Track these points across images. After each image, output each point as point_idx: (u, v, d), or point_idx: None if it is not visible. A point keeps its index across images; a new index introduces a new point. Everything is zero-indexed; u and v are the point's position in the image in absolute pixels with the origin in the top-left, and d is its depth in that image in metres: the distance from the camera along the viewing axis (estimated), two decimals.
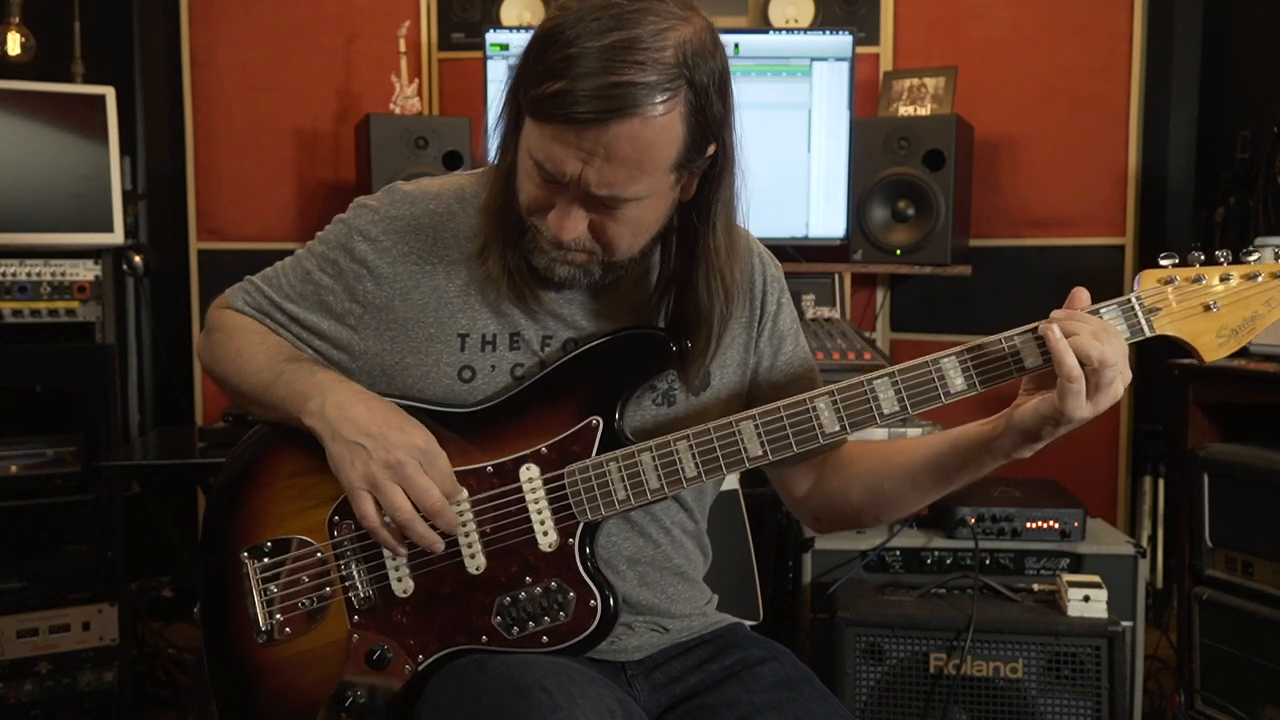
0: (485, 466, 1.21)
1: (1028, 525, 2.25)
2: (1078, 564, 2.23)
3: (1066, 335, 1.08)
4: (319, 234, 1.31)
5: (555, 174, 1.09)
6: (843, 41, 3.02)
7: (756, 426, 1.18)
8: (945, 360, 1.15)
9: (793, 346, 1.36)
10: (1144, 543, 3.01)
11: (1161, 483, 3.09)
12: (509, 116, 1.14)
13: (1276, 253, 1.14)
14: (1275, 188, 2.55)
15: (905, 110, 3.06)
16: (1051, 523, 2.24)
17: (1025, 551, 2.25)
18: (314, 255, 1.30)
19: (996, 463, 1.18)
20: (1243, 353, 2.27)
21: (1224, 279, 1.13)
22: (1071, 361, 1.07)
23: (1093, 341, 1.07)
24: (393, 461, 1.14)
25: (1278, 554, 2.14)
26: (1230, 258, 1.13)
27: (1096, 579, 2.08)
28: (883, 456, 1.28)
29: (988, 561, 2.24)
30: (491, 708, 1.08)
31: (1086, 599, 2.04)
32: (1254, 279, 1.13)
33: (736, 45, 3.01)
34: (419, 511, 1.16)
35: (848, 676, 2.08)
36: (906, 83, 3.10)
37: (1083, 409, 1.08)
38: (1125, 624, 2.11)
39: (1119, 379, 1.08)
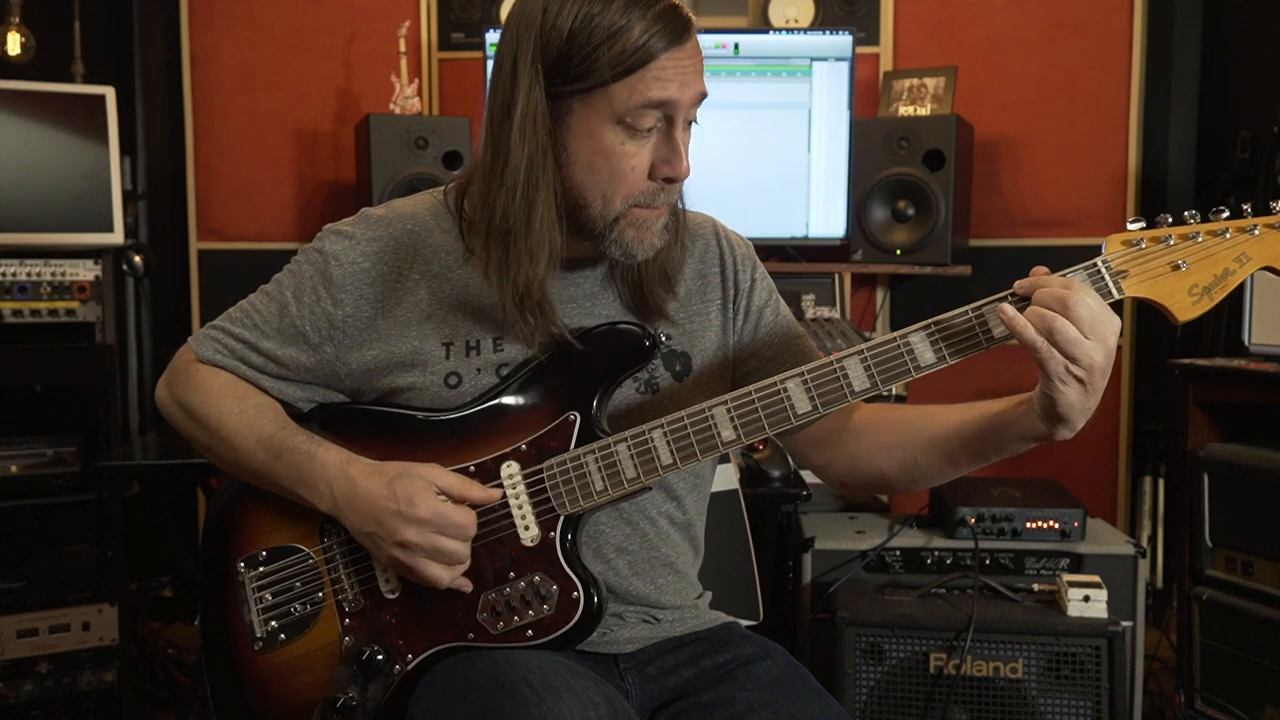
0: (468, 467, 1.23)
1: (1028, 525, 2.25)
2: (1078, 564, 2.23)
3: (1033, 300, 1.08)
4: (288, 267, 1.30)
5: (689, 99, 1.15)
6: (843, 41, 3.02)
7: (729, 411, 1.18)
8: (913, 335, 1.15)
9: (773, 316, 1.37)
10: (1144, 543, 3.01)
11: (1161, 483, 3.09)
12: (543, 116, 1.15)
13: (1242, 209, 1.13)
14: (1275, 188, 2.55)
15: (905, 110, 3.06)
16: (1051, 523, 2.24)
17: (1025, 551, 2.25)
18: (287, 288, 1.28)
19: (1032, 444, 1.16)
20: (1243, 352, 2.28)
21: (1191, 237, 1.12)
22: (1027, 332, 1.06)
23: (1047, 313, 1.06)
24: (403, 542, 1.16)
25: (1278, 554, 2.14)
26: (1199, 218, 1.13)
27: (1096, 579, 2.08)
28: (915, 428, 1.26)
29: (988, 561, 2.25)
30: (479, 705, 1.09)
31: (1086, 599, 2.04)
32: (1221, 235, 1.12)
33: (736, 45, 3.01)
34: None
35: (848, 676, 2.08)
36: (906, 83, 3.10)
37: (1070, 388, 1.06)
38: (1125, 624, 2.11)
39: (1094, 324, 1.05)
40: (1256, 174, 2.70)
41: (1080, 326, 1.05)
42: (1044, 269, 1.13)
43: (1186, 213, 1.13)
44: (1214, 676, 2.25)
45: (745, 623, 1.41)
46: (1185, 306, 1.13)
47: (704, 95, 1.17)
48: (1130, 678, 2.12)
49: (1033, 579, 2.21)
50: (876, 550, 2.26)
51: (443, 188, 1.32)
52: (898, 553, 2.27)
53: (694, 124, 1.20)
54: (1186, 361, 2.36)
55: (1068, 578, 2.10)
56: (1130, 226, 1.14)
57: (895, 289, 3.35)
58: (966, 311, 1.14)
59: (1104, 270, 1.13)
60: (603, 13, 1.10)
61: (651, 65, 1.11)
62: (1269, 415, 2.32)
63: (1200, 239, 1.12)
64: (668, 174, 1.17)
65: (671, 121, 1.16)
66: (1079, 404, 1.07)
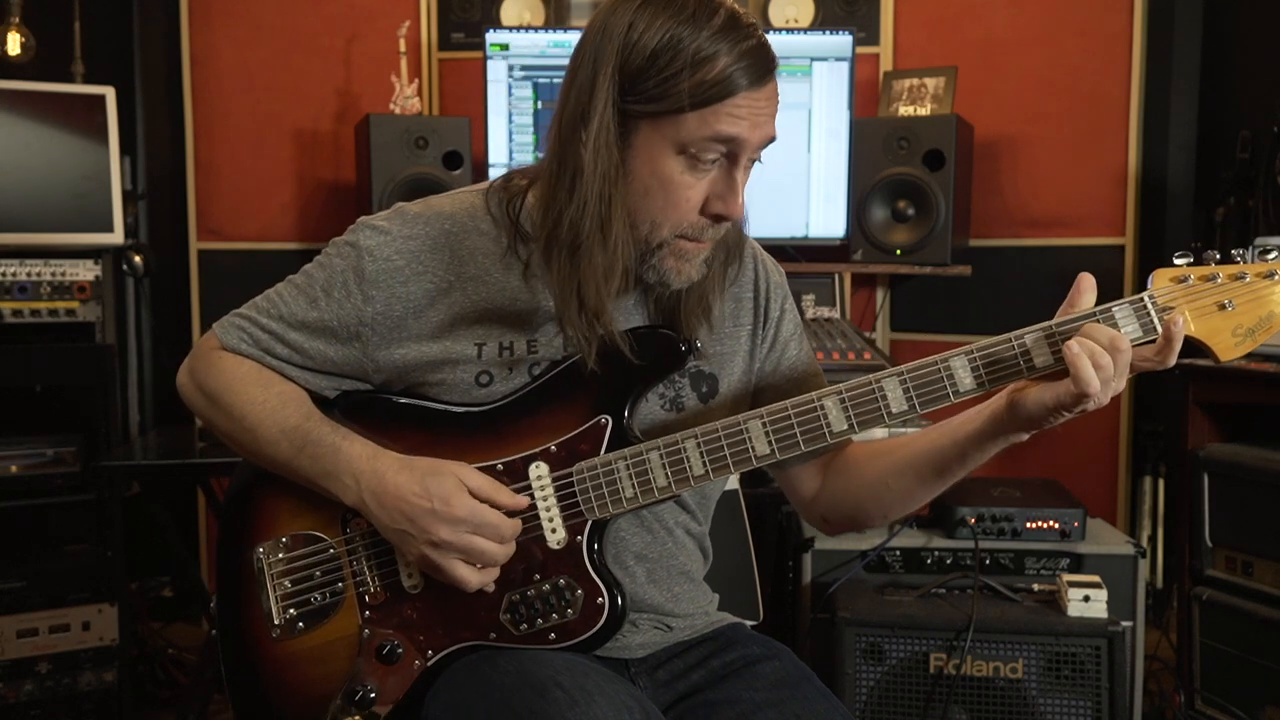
0: (495, 464, 1.22)
1: (1028, 525, 2.25)
2: (1078, 564, 2.23)
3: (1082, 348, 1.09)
4: (319, 259, 1.28)
5: (758, 141, 1.13)
6: (843, 41, 3.02)
7: (764, 426, 1.18)
8: (954, 360, 1.14)
9: (796, 351, 1.37)
10: (1144, 543, 3.01)
11: (1161, 483, 3.09)
12: (613, 132, 1.12)
13: None
14: (1275, 188, 2.55)
15: (905, 110, 3.06)
16: (1051, 523, 2.24)
17: (1025, 551, 2.25)
18: (317, 282, 1.26)
19: (997, 450, 1.19)
20: None
21: (1239, 277, 1.11)
22: (1089, 374, 1.07)
23: (1104, 354, 1.08)
24: (437, 541, 1.15)
25: (1278, 554, 2.14)
26: (1246, 257, 1.12)
27: (1096, 579, 2.08)
28: (887, 455, 1.28)
29: (988, 561, 2.25)
30: (505, 703, 1.08)
31: (1086, 599, 2.04)
32: (1270, 277, 1.11)
33: None
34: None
35: (848, 676, 2.08)
36: (906, 83, 3.10)
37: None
38: (1125, 624, 2.11)
39: (1124, 370, 1.10)
40: (1256, 174, 2.70)
41: (1119, 374, 1.09)
42: (1091, 280, 1.14)
43: (1235, 251, 1.13)
44: (1214, 676, 2.25)
45: (746, 623, 1.41)
46: (1229, 347, 1.13)
47: (772, 139, 1.15)
48: (1130, 678, 2.12)
49: (1033, 579, 2.21)
50: (876, 550, 2.26)
51: (482, 188, 1.29)
52: (898, 553, 2.27)
53: (756, 162, 1.17)
54: (1186, 361, 2.35)
55: (1068, 578, 2.10)
56: (1178, 262, 1.13)
57: (895, 289, 3.35)
58: (1009, 340, 1.14)
59: (1150, 306, 1.13)
60: (691, 37, 1.08)
61: (728, 101, 1.09)
62: (1269, 415, 2.32)
63: (1248, 280, 1.11)
64: (720, 211, 1.15)
65: (734, 159, 1.13)
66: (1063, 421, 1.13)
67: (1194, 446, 2.31)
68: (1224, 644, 2.22)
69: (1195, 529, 2.29)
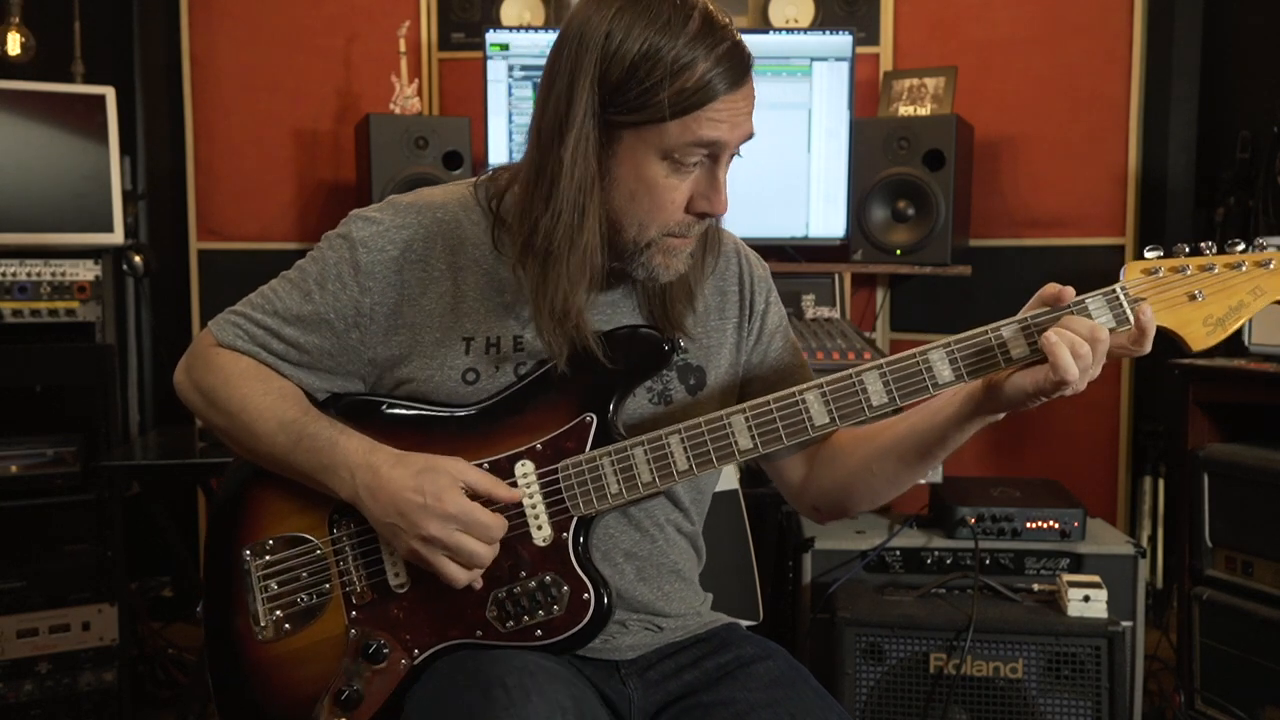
0: (482, 463, 1.23)
1: (1028, 525, 2.25)
2: (1078, 564, 2.23)
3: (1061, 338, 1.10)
4: (311, 254, 1.29)
5: (738, 140, 1.15)
6: (843, 41, 3.02)
7: (747, 420, 1.19)
8: (933, 352, 1.16)
9: (782, 342, 1.39)
10: (1144, 543, 3.01)
11: (1161, 483, 3.09)
12: (594, 141, 1.13)
13: (1262, 244, 1.15)
14: (1275, 188, 2.55)
15: (905, 110, 3.06)
16: (1051, 523, 2.24)
17: (1025, 551, 2.25)
18: (310, 276, 1.27)
19: (975, 430, 1.21)
20: (1243, 352, 2.28)
21: (1208, 269, 1.14)
22: (1067, 362, 1.09)
23: (1083, 344, 1.10)
24: (426, 536, 1.16)
25: (1278, 554, 2.14)
26: (1215, 249, 1.15)
27: (1096, 579, 2.08)
28: (869, 440, 1.30)
29: (988, 561, 2.25)
30: (454, 702, 1.09)
31: (1086, 599, 2.04)
32: (1238, 268, 1.13)
33: None
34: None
35: (848, 676, 2.08)
36: (906, 83, 3.10)
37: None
38: (1125, 624, 2.11)
39: (1102, 359, 1.12)
40: (1256, 174, 2.70)
41: (1097, 362, 1.10)
42: (1071, 290, 1.15)
43: (1203, 244, 1.15)
44: (1214, 676, 2.25)
45: (745, 623, 1.41)
46: (1200, 336, 1.15)
47: (751, 136, 1.17)
48: (1130, 678, 2.13)
49: (1033, 579, 2.21)
50: (876, 550, 2.26)
51: (472, 180, 1.31)
52: (898, 553, 2.27)
53: (736, 156, 1.19)
54: (1186, 361, 2.36)
55: (1068, 578, 2.10)
56: (1148, 255, 1.16)
57: (895, 289, 3.35)
58: (986, 332, 1.15)
59: (1122, 297, 1.14)
60: (668, 46, 1.09)
61: (708, 106, 1.10)
62: (1269, 415, 2.32)
63: (1217, 271, 1.14)
64: (705, 209, 1.17)
65: (716, 159, 1.15)
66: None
67: (1194, 446, 2.31)
68: (1224, 644, 2.22)
69: (1195, 529, 2.29)
